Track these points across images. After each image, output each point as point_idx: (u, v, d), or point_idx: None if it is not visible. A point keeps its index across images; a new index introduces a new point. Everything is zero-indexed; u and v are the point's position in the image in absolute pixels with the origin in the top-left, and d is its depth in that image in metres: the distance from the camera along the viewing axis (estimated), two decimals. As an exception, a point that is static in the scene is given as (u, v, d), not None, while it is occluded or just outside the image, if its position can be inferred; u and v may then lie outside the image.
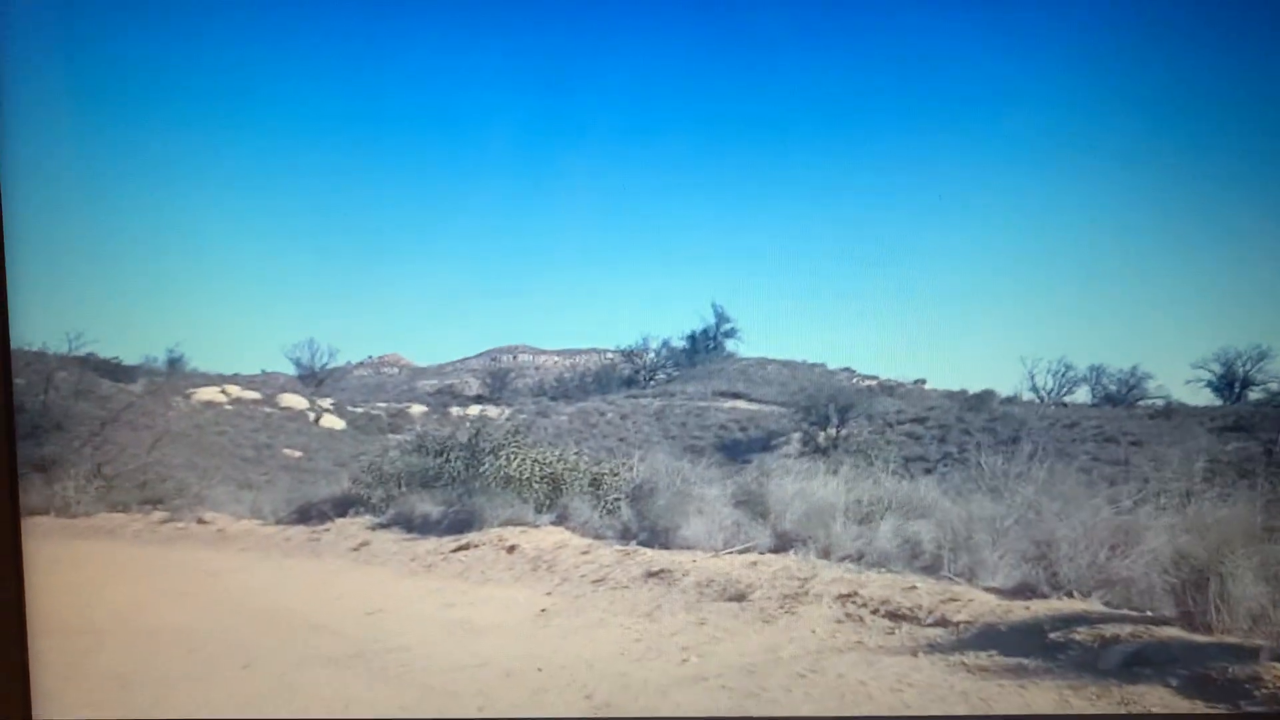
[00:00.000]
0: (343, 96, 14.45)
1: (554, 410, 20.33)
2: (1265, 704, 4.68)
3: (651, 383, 21.24)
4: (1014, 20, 12.29)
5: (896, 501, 9.05)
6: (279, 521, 12.63)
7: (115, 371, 18.01)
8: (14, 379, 5.18)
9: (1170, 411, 16.65)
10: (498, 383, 22.45)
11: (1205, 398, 16.72)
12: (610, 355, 22.19)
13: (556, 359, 23.63)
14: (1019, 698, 5.05)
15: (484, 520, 10.38)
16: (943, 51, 12.81)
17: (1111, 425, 16.12)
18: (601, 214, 16.53)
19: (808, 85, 13.86)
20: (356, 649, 6.43)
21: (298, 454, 18.60)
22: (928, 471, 13.34)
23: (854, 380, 19.44)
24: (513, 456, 11.34)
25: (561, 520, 10.48)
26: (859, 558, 8.08)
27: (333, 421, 20.62)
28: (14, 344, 5.38)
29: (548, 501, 10.90)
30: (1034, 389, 17.83)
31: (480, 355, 23.62)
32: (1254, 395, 16.34)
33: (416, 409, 21.08)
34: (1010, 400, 17.78)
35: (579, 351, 23.00)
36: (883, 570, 7.66)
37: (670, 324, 25.80)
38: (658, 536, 9.43)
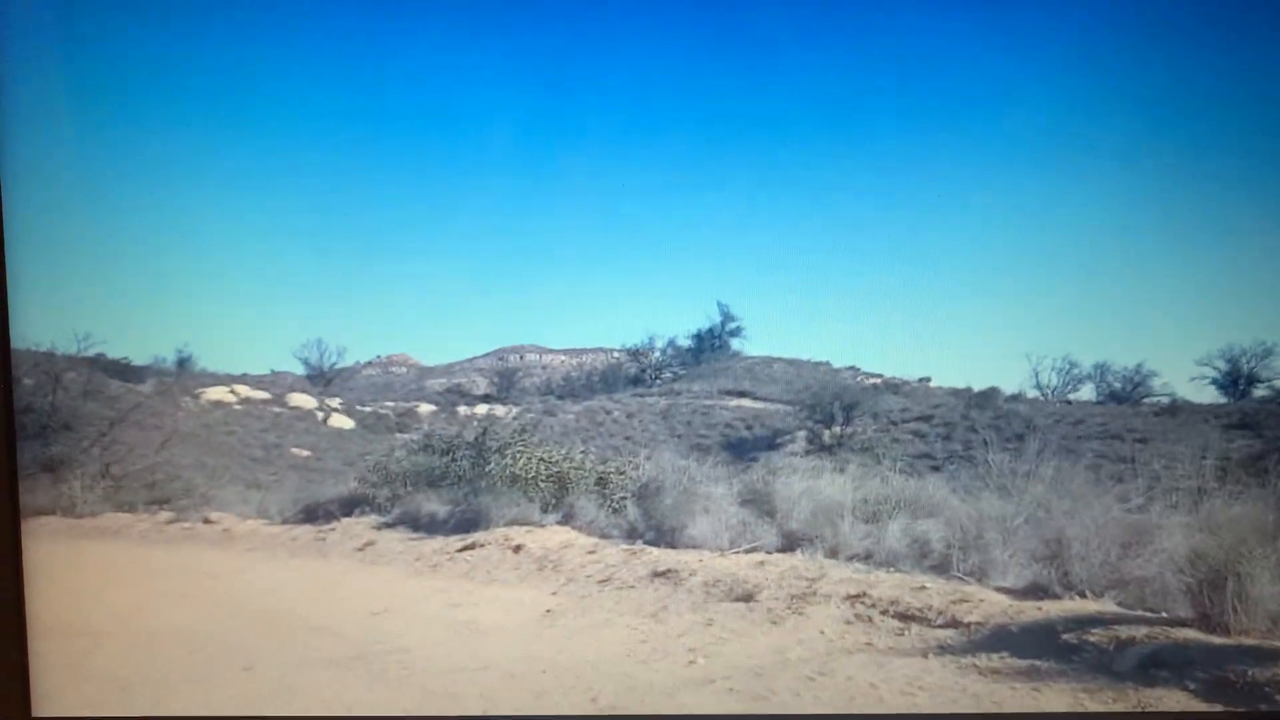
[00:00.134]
0: (344, 96, 14.41)
1: (561, 409, 20.29)
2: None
3: (657, 381, 21.17)
4: (1014, 20, 12.21)
5: (904, 500, 8.95)
6: (285, 521, 12.60)
7: (124, 372, 18.03)
8: (23, 379, 5.16)
9: (1175, 409, 16.50)
10: (505, 382, 22.44)
11: (1210, 395, 16.60)
12: (616, 354, 22.14)
13: (563, 358, 23.60)
14: (1032, 700, 4.95)
15: (490, 519, 10.32)
16: (943, 51, 12.73)
17: (1117, 423, 16.00)
18: (604, 213, 16.48)
19: (808, 85, 13.79)
20: (358, 650, 6.37)
21: (306, 453, 18.61)
22: (934, 469, 13.27)
23: (859, 378, 19.35)
24: (519, 455, 11.27)
25: (567, 519, 10.42)
26: (867, 557, 8.01)
27: (341, 421, 20.63)
28: (18, 344, 5.36)
29: (554, 501, 10.84)
30: (1039, 386, 17.72)
31: (488, 355, 23.64)
32: (1259, 392, 16.19)
33: (424, 408, 21.08)
34: (1015, 398, 17.65)
35: (585, 351, 22.97)
36: (892, 570, 7.58)
37: (676, 323, 25.77)
38: (664, 535, 9.36)
